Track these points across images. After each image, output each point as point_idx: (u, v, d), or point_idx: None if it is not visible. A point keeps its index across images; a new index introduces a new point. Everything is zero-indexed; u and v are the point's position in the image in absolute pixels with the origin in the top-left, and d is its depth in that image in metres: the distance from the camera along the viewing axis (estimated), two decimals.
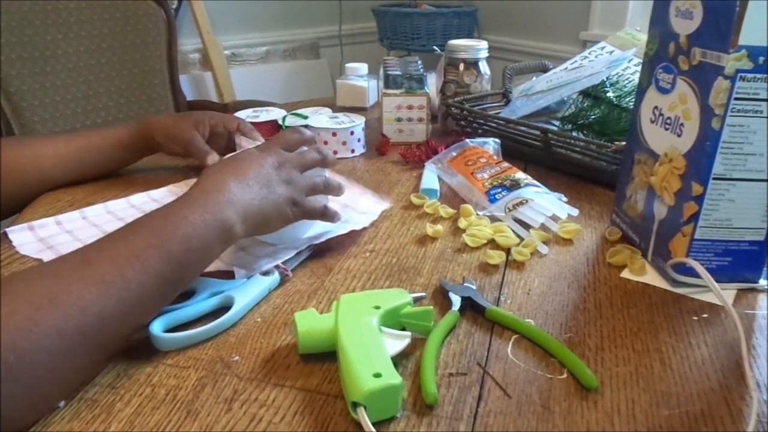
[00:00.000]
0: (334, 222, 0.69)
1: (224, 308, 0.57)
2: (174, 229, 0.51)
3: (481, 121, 1.04)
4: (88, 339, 0.45)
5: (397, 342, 0.50)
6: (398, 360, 0.50)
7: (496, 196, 0.78)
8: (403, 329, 0.53)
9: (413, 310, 0.54)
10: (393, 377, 0.45)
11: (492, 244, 0.72)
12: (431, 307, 0.54)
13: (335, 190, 0.69)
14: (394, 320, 0.53)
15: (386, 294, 0.56)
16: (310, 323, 0.52)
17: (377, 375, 0.44)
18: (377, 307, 0.53)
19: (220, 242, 0.55)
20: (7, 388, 0.40)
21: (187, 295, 0.58)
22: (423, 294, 0.61)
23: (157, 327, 0.53)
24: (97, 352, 0.47)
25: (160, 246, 0.50)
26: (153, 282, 0.49)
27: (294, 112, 1.16)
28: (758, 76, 0.53)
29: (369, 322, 0.51)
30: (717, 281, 0.61)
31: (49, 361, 0.42)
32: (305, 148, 0.69)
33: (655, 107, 0.65)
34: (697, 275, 0.60)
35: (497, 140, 0.95)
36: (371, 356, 0.47)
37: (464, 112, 1.06)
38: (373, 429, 0.42)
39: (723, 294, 0.56)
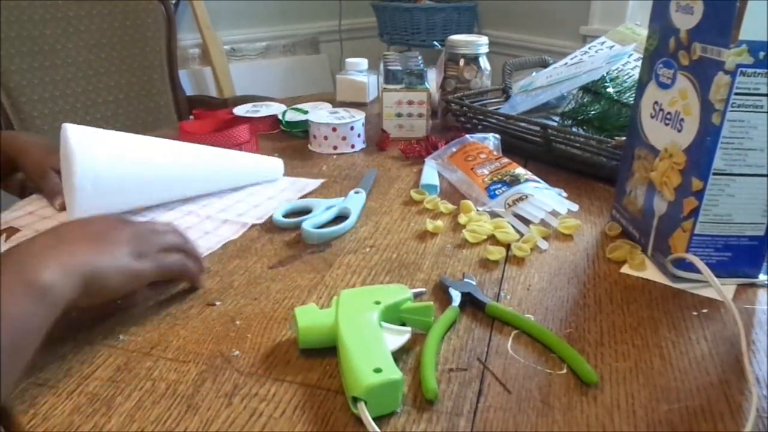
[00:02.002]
0: (200, 285, 0.62)
1: (341, 216, 0.76)
2: None
3: (481, 117, 1.04)
4: None
5: (397, 337, 0.50)
6: (398, 355, 0.50)
7: (496, 192, 0.78)
8: (404, 324, 0.53)
9: (413, 305, 0.55)
10: (393, 372, 0.45)
11: (492, 239, 0.72)
12: (431, 302, 0.54)
13: (193, 255, 0.61)
14: (394, 316, 0.54)
15: (386, 289, 0.56)
16: (310, 318, 0.52)
17: (378, 370, 0.45)
18: (377, 303, 0.53)
19: (37, 308, 0.45)
20: None
21: (307, 212, 0.77)
22: (423, 290, 0.61)
23: (308, 226, 0.71)
24: None
25: None
26: None
27: (294, 107, 1.16)
28: (758, 71, 0.53)
29: (369, 318, 0.51)
30: (717, 276, 0.61)
31: None
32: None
33: (656, 102, 0.65)
34: (696, 270, 0.60)
35: (497, 136, 0.95)
36: (372, 351, 0.47)
37: (464, 108, 1.06)
38: (374, 424, 0.42)
39: (723, 289, 0.56)
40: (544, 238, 0.72)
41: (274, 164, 0.91)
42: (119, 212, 0.76)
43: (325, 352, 0.52)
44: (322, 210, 0.77)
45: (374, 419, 0.43)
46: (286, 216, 0.77)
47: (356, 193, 0.82)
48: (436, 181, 0.87)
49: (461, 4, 2.48)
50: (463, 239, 0.72)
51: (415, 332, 0.53)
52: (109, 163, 0.73)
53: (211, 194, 0.84)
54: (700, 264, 0.59)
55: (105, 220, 0.57)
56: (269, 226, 0.75)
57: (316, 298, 0.60)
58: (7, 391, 0.44)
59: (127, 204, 0.78)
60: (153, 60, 1.76)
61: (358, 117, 1.03)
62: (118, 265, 0.52)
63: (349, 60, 1.32)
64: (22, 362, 0.44)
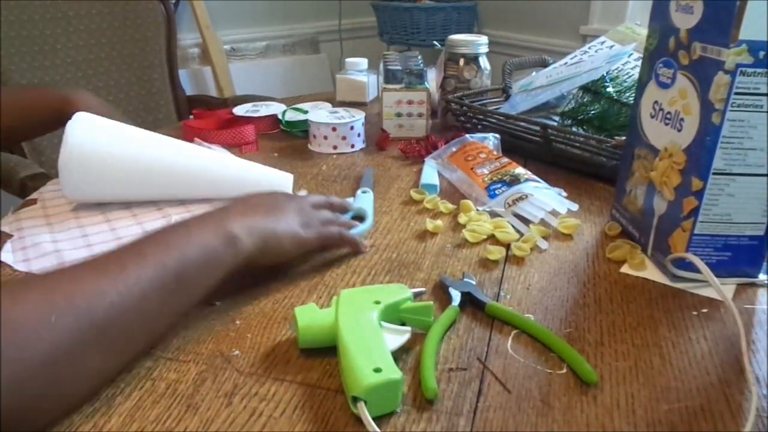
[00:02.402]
0: (360, 250, 0.69)
1: (358, 217, 0.75)
2: (178, 234, 0.54)
3: (481, 117, 1.04)
4: (101, 332, 0.45)
5: (397, 337, 0.50)
6: (398, 355, 0.50)
7: (496, 192, 0.78)
8: (403, 324, 0.53)
9: (413, 305, 0.54)
10: (393, 372, 0.45)
11: (492, 239, 0.72)
12: (431, 302, 0.54)
13: (348, 226, 0.70)
14: (394, 315, 0.54)
15: (386, 289, 0.56)
16: (310, 318, 0.52)
17: (377, 370, 0.44)
18: (377, 302, 0.53)
19: (225, 248, 0.55)
20: (29, 387, 0.40)
21: None
22: (423, 289, 0.61)
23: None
24: (114, 347, 0.47)
25: (164, 244, 0.52)
26: (158, 276, 0.49)
27: (293, 106, 1.16)
28: (758, 70, 0.53)
29: (369, 317, 0.51)
30: (717, 276, 0.61)
31: (66, 358, 0.43)
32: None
33: (655, 102, 0.65)
34: (696, 270, 0.60)
35: (497, 136, 0.95)
36: (371, 351, 0.47)
37: (464, 107, 1.06)
38: (373, 423, 0.42)
39: (723, 289, 0.56)
40: (544, 237, 0.72)
41: (283, 179, 0.86)
42: (112, 200, 0.80)
43: (325, 351, 0.52)
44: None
45: (374, 419, 0.43)
46: None
47: (363, 192, 0.82)
48: (436, 181, 0.87)
49: (461, 3, 2.48)
50: (462, 239, 0.72)
51: (414, 332, 0.53)
52: (97, 151, 0.76)
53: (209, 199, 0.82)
54: (700, 264, 0.59)
55: (278, 195, 0.68)
56: None
57: (316, 298, 0.60)
58: (193, 301, 0.53)
59: (118, 195, 0.80)
60: (153, 60, 1.76)
61: (358, 117, 1.03)
62: (290, 231, 0.62)
63: (348, 60, 1.32)
64: (206, 286, 0.54)
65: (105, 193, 0.79)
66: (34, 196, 0.84)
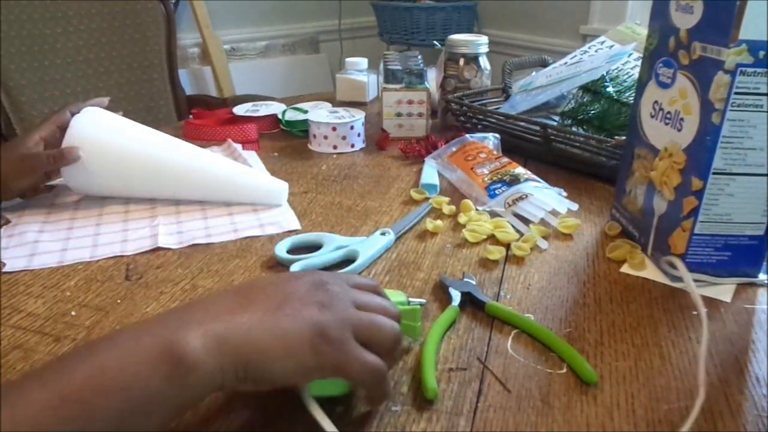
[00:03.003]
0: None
1: (348, 260, 0.66)
2: (98, 352, 0.36)
3: (481, 117, 1.04)
4: None
5: None
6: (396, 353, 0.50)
7: (496, 192, 0.78)
8: None
9: (400, 308, 0.51)
10: None
11: (492, 239, 0.72)
12: (418, 306, 0.53)
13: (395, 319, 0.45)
14: None
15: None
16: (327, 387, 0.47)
17: None
18: None
19: (165, 381, 0.35)
20: None
21: (315, 248, 0.68)
22: (423, 300, 0.57)
23: (295, 270, 0.62)
24: None
25: (71, 370, 0.34)
26: (48, 422, 0.32)
27: (293, 106, 1.16)
28: (758, 70, 0.53)
29: None
30: (716, 276, 0.61)
31: None
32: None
33: (655, 102, 0.65)
34: (696, 272, 0.60)
35: (497, 135, 0.95)
36: None
37: (464, 107, 1.05)
38: (310, 401, 0.41)
39: (723, 289, 0.56)
40: (544, 237, 0.72)
41: (278, 188, 0.81)
42: (111, 194, 0.82)
43: None
44: (331, 249, 0.67)
45: (327, 399, 0.42)
46: (290, 251, 0.67)
47: (382, 234, 0.70)
48: (436, 181, 0.87)
49: (461, 3, 2.48)
50: (462, 239, 0.72)
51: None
52: (99, 142, 0.77)
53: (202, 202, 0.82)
54: (680, 267, 0.59)
55: (291, 283, 0.43)
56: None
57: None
58: None
59: (116, 188, 0.81)
60: (153, 59, 1.76)
61: (358, 116, 1.03)
62: (288, 348, 0.39)
63: (348, 59, 1.32)
64: None
65: (103, 185, 0.80)
66: (55, 182, 0.85)
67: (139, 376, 0.34)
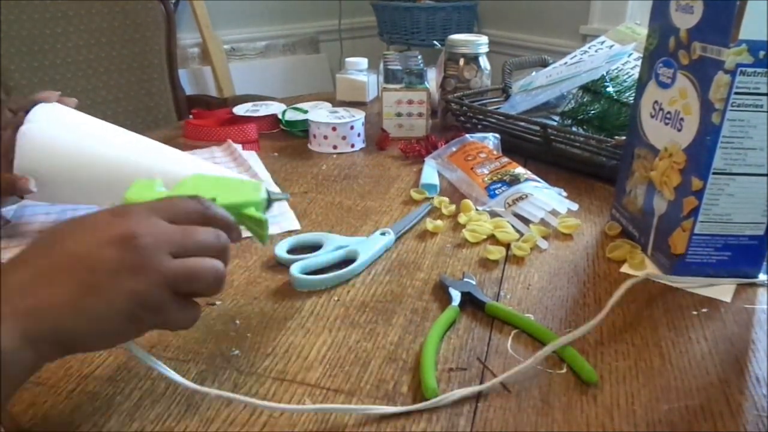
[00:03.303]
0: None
1: (348, 261, 0.65)
2: None
3: (481, 117, 1.04)
4: None
5: None
6: (397, 354, 0.51)
7: (496, 192, 0.78)
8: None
9: (249, 212, 0.49)
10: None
11: (492, 239, 0.72)
12: (266, 217, 0.49)
13: (234, 234, 0.46)
14: (234, 216, 0.47)
15: (237, 185, 0.51)
16: (142, 191, 0.47)
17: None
18: (213, 199, 0.47)
19: None
20: None
21: (315, 248, 0.67)
22: (286, 195, 0.55)
23: (295, 270, 0.61)
24: None
25: None
26: None
27: (293, 106, 1.16)
28: (758, 70, 0.53)
29: None
30: (716, 276, 0.61)
31: None
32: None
33: (655, 102, 0.65)
34: (695, 272, 0.61)
35: (497, 135, 0.94)
36: None
37: (464, 107, 1.05)
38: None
39: (723, 289, 0.56)
40: (544, 237, 0.72)
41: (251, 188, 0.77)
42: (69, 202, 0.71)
43: (325, 352, 0.52)
44: (331, 249, 0.67)
45: None
46: (290, 251, 0.67)
47: (382, 234, 0.70)
48: (436, 181, 0.87)
49: (461, 3, 2.48)
50: (462, 239, 0.72)
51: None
52: (56, 154, 0.66)
53: None
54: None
55: (97, 245, 0.39)
56: None
57: (315, 298, 0.60)
58: None
59: (74, 197, 0.71)
60: (153, 59, 1.76)
61: (358, 116, 1.03)
62: (105, 330, 0.38)
63: (348, 59, 1.32)
64: None
65: (68, 196, 0.70)
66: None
67: None
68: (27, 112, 0.66)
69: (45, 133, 0.64)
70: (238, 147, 1.00)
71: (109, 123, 0.73)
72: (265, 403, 0.44)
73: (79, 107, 0.75)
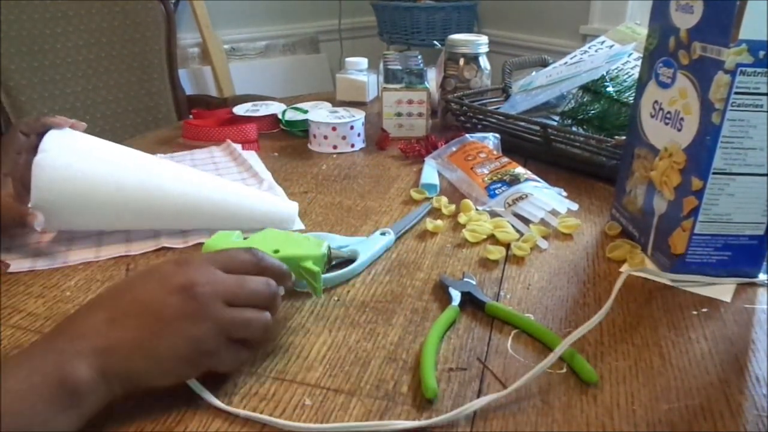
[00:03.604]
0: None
1: (348, 261, 0.65)
2: None
3: (481, 117, 1.04)
4: None
5: None
6: (397, 354, 0.51)
7: (496, 191, 0.78)
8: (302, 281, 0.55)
9: (307, 265, 0.54)
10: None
11: (492, 239, 0.72)
12: (319, 269, 0.54)
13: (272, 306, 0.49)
14: (291, 268, 0.53)
15: (301, 241, 0.57)
16: (221, 241, 0.55)
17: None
18: (276, 251, 0.54)
19: (60, 413, 0.37)
20: None
21: None
22: (347, 253, 0.57)
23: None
24: None
25: None
26: None
27: (293, 106, 1.16)
28: (758, 70, 0.53)
29: None
30: (716, 276, 0.61)
31: None
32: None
33: (655, 102, 0.65)
34: (695, 272, 0.61)
35: (497, 135, 0.95)
36: None
37: (464, 107, 1.06)
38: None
39: (723, 289, 0.56)
40: (544, 237, 0.72)
41: (286, 208, 0.74)
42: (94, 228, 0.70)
43: (325, 352, 0.52)
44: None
45: None
46: None
47: (382, 234, 0.70)
48: (436, 181, 0.87)
49: (461, 3, 2.48)
50: (462, 239, 0.72)
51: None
52: (74, 171, 0.65)
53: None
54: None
55: (166, 293, 0.43)
56: None
57: (315, 298, 0.60)
58: None
59: (92, 224, 0.70)
60: (153, 59, 1.76)
61: (358, 116, 1.03)
62: (166, 370, 0.43)
63: (348, 59, 1.32)
64: None
65: (84, 221, 0.69)
66: None
67: (38, 416, 0.36)
68: (39, 135, 0.67)
69: (59, 162, 0.65)
70: (238, 147, 1.00)
71: (121, 145, 0.73)
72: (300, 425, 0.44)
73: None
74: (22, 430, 0.35)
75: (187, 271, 0.45)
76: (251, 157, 0.97)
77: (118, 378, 0.41)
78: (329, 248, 0.56)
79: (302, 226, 0.75)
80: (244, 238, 0.58)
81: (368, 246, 0.67)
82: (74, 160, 0.66)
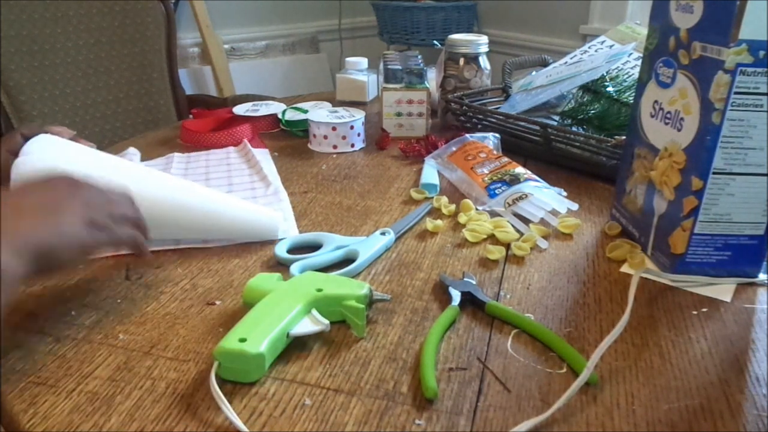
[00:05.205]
0: (144, 260, 0.62)
1: (348, 260, 0.65)
2: None
3: (481, 116, 1.04)
4: None
5: (308, 325, 0.52)
6: (397, 353, 0.50)
7: (496, 191, 0.78)
8: (343, 321, 0.55)
9: (349, 304, 0.54)
10: (252, 347, 0.47)
11: (492, 239, 0.72)
12: (363, 306, 0.54)
13: (143, 228, 0.59)
14: (333, 307, 0.54)
15: (344, 282, 0.57)
16: (263, 282, 0.57)
17: (242, 339, 0.48)
18: (319, 290, 0.55)
19: None
20: None
21: (315, 248, 0.68)
22: (387, 296, 0.58)
23: (295, 270, 0.62)
24: None
25: None
26: None
27: (293, 106, 1.16)
28: (758, 70, 0.53)
29: (292, 300, 0.53)
30: (716, 276, 0.61)
31: None
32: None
33: (655, 101, 0.65)
34: (695, 272, 0.61)
35: (497, 135, 0.94)
36: (257, 324, 0.50)
37: (464, 107, 1.05)
38: (215, 383, 0.46)
39: (723, 288, 0.56)
40: (544, 237, 0.72)
41: (270, 221, 0.72)
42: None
43: (325, 352, 0.52)
44: (331, 249, 0.68)
45: (233, 383, 0.48)
46: (290, 251, 0.68)
47: (382, 234, 0.71)
48: (436, 181, 0.87)
49: (461, 3, 2.48)
50: (462, 238, 0.72)
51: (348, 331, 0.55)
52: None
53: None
54: None
55: (55, 186, 0.54)
56: None
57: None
58: None
59: None
60: (153, 59, 1.76)
61: (358, 116, 1.03)
62: (69, 239, 0.50)
63: (348, 59, 1.32)
64: None
65: None
66: None
67: None
68: None
69: (38, 165, 0.64)
70: (258, 150, 1.00)
71: (112, 155, 0.72)
72: None
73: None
74: None
75: (69, 179, 0.55)
76: (265, 158, 0.97)
77: (28, 251, 0.46)
78: (371, 289, 0.56)
79: (294, 233, 0.74)
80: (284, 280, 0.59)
81: (368, 246, 0.67)
82: (55, 165, 0.65)
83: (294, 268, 0.63)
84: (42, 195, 0.52)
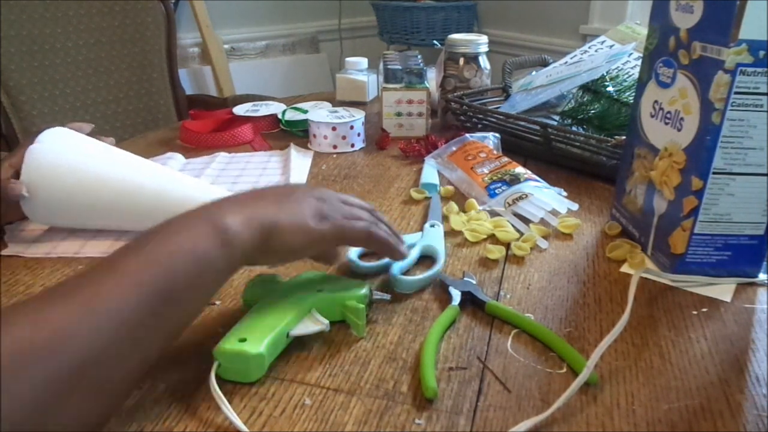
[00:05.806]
0: (396, 258, 0.60)
1: (426, 257, 0.67)
2: (158, 241, 0.45)
3: (481, 116, 1.04)
4: (79, 378, 0.37)
5: (308, 325, 0.52)
6: (397, 353, 0.50)
7: (496, 191, 0.78)
8: (343, 321, 0.55)
9: (349, 304, 0.54)
10: (253, 347, 0.47)
11: (492, 238, 0.72)
12: (363, 306, 0.54)
13: (384, 223, 0.60)
14: (333, 307, 0.54)
15: (344, 282, 0.57)
16: (265, 281, 0.57)
17: (242, 340, 0.48)
18: (319, 290, 0.55)
19: (218, 250, 0.46)
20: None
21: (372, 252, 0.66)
22: (387, 296, 0.58)
23: (396, 270, 0.62)
24: (97, 392, 0.39)
25: (144, 257, 0.43)
26: (141, 300, 0.41)
27: (293, 106, 1.16)
28: (758, 70, 0.53)
29: (291, 299, 0.53)
30: (716, 276, 0.61)
31: (38, 415, 0.36)
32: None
33: (655, 101, 0.65)
34: (695, 272, 0.61)
35: (497, 135, 0.94)
36: (255, 324, 0.50)
37: (464, 107, 1.05)
38: (215, 384, 0.46)
39: (723, 288, 0.56)
40: (544, 237, 0.72)
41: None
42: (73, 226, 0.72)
43: (325, 352, 0.52)
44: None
45: (232, 383, 0.48)
46: (362, 257, 0.67)
47: (432, 226, 0.72)
48: (436, 180, 0.87)
49: (461, 3, 2.48)
50: (462, 238, 0.72)
51: (344, 330, 0.55)
52: (57, 174, 0.67)
53: None
54: None
55: (297, 186, 0.62)
56: None
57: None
58: (188, 320, 0.46)
59: (74, 220, 0.71)
60: (153, 59, 1.76)
61: (358, 116, 1.03)
62: (295, 220, 0.51)
63: (348, 59, 1.32)
64: (200, 301, 0.47)
65: (67, 219, 0.71)
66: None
67: (200, 244, 0.45)
68: None
69: (50, 153, 0.67)
70: (299, 153, 1.00)
71: (124, 150, 0.73)
72: None
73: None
74: (194, 260, 0.45)
75: (311, 188, 0.58)
76: (303, 163, 0.97)
77: (257, 223, 0.49)
78: (371, 289, 0.57)
79: None
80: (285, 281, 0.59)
81: (434, 240, 0.69)
82: (67, 153, 0.68)
83: (397, 271, 0.62)
84: (283, 188, 0.56)
